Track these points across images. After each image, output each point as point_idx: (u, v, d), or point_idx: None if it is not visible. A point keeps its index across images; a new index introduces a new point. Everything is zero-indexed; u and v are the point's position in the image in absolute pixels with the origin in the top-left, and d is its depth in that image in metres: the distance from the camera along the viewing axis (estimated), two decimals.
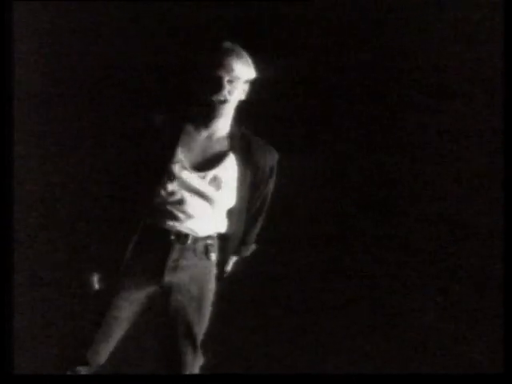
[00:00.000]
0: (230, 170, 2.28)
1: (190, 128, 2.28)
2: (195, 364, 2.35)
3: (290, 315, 3.22)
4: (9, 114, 2.41)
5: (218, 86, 2.18)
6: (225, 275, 2.46)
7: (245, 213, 2.37)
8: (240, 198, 2.32)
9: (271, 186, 2.43)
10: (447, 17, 3.08)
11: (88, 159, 3.11)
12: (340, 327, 3.20)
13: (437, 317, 3.16)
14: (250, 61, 2.27)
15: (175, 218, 2.25)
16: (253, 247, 2.52)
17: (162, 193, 2.24)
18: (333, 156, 3.17)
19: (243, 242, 2.47)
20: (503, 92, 2.61)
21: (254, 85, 2.29)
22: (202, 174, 2.25)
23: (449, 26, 3.09)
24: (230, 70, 2.19)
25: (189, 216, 2.26)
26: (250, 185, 2.33)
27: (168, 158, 2.23)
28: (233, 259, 2.49)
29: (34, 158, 3.10)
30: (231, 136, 2.30)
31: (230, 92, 2.21)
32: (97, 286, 2.29)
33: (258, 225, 2.49)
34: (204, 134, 2.28)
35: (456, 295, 3.16)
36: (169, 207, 2.25)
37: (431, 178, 3.17)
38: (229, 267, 2.47)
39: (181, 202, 2.24)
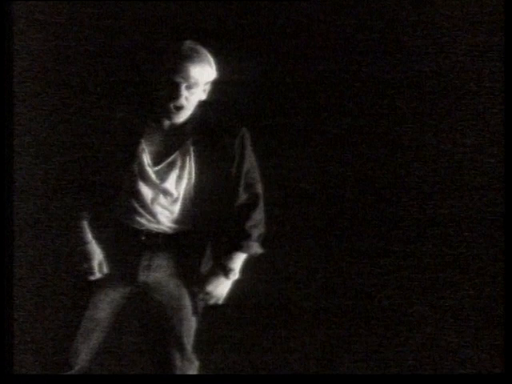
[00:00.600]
0: (186, 158, 2.21)
1: (152, 123, 2.22)
2: (187, 369, 2.32)
3: (290, 315, 3.22)
4: (9, 114, 2.42)
5: (175, 92, 2.11)
6: (232, 274, 2.28)
7: (215, 202, 2.24)
8: (203, 185, 2.22)
9: (244, 166, 2.26)
10: (447, 17, 3.08)
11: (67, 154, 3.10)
12: (340, 327, 3.20)
13: (437, 317, 3.16)
14: (211, 61, 2.19)
15: (141, 216, 2.21)
16: (257, 249, 2.30)
17: (128, 190, 2.20)
18: (333, 157, 3.17)
19: (244, 237, 2.26)
20: (503, 92, 2.61)
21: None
22: (157, 168, 2.19)
23: (449, 25, 3.09)
24: (187, 77, 2.11)
25: (154, 214, 2.22)
26: (214, 168, 2.22)
27: (131, 153, 2.18)
28: (239, 256, 2.29)
29: (31, 155, 3.10)
30: (190, 122, 2.21)
31: (187, 98, 2.14)
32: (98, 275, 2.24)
33: (254, 217, 2.28)
34: (165, 128, 2.21)
35: (456, 295, 3.16)
36: (135, 205, 2.21)
37: (431, 178, 3.17)
38: (236, 264, 2.28)
39: (144, 199, 2.20)
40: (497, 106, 2.93)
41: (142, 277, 2.25)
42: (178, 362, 2.31)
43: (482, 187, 3.10)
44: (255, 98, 3.01)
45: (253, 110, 2.99)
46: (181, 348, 2.31)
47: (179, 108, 2.14)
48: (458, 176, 3.11)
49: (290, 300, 3.23)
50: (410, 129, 3.15)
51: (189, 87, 2.13)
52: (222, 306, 2.36)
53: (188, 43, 2.17)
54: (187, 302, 2.31)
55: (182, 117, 2.19)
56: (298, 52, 3.09)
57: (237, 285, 2.36)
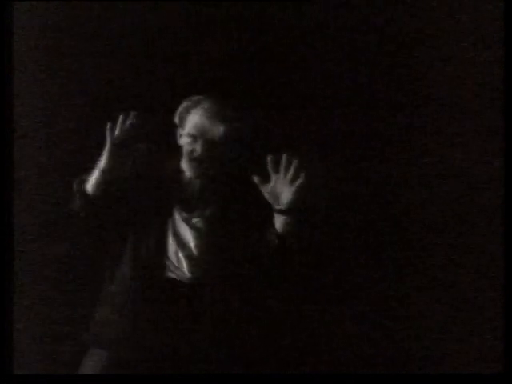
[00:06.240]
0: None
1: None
2: None
3: (290, 313, 3.22)
4: (9, 114, 2.42)
5: (192, 145, 2.10)
6: None
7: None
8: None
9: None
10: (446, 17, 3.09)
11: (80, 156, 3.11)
12: (339, 326, 3.20)
13: (436, 316, 3.16)
14: (229, 117, 2.09)
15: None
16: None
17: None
18: (334, 154, 3.17)
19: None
20: (504, 91, 2.62)
21: None
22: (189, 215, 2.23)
23: (448, 25, 3.10)
24: (204, 135, 2.07)
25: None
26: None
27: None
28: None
29: (33, 163, 3.10)
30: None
31: (207, 151, 2.09)
32: None
33: None
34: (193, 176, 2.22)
35: (456, 295, 3.16)
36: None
37: (430, 176, 3.17)
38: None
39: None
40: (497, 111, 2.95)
41: None
42: None
43: (481, 186, 3.11)
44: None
45: None
46: None
47: (196, 160, 2.10)
48: (458, 174, 3.12)
49: (290, 300, 3.23)
50: (409, 131, 3.17)
51: (207, 142, 2.08)
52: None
53: (203, 104, 2.12)
54: None
55: (202, 169, 2.12)
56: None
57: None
